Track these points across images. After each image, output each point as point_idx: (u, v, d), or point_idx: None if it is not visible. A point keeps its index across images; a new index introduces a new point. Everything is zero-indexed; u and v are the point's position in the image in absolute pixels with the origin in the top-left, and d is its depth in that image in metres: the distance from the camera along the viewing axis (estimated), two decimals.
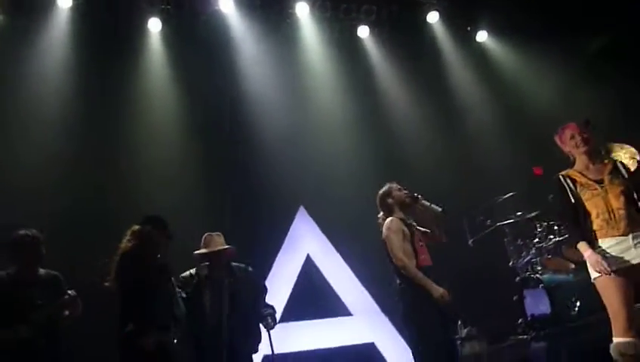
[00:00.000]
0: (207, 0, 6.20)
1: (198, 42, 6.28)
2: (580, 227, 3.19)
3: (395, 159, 6.51)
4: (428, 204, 3.75)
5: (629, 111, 6.36)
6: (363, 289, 6.35)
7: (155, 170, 5.77)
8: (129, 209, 4.79)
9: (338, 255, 6.35)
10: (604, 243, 3.10)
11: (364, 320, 6.19)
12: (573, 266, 4.81)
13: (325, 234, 6.38)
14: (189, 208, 5.49)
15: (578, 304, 4.50)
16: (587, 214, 3.18)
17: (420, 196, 3.78)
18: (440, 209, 3.71)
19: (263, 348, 4.13)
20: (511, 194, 5.50)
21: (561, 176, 3.32)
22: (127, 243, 3.55)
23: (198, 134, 6.12)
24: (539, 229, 5.12)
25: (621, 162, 3.32)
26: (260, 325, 4.08)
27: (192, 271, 4.06)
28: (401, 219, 3.71)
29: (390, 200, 3.85)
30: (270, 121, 6.24)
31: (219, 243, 4.08)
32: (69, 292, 3.69)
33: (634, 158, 3.74)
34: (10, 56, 5.60)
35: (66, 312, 3.68)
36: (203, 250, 4.05)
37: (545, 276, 4.78)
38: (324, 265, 6.31)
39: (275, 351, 4.10)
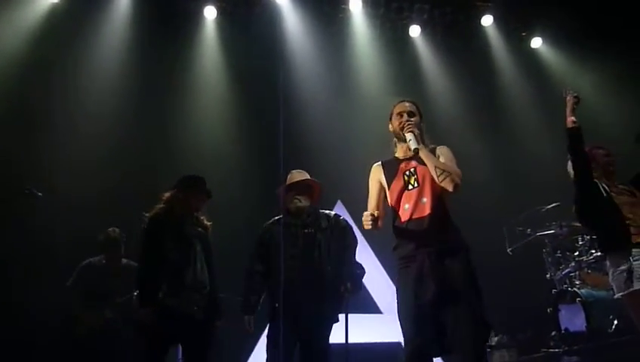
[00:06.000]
0: None
1: (251, 31, 6.41)
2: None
3: None
4: (409, 137, 2.80)
5: None
6: (395, 288, 6.32)
7: (203, 151, 5.96)
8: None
9: (372, 252, 6.35)
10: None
11: (393, 319, 6.15)
12: None
13: (361, 231, 6.37)
14: (230, 191, 5.60)
15: (616, 322, 4.38)
16: (623, 218, 3.11)
17: (407, 124, 2.84)
18: (413, 147, 2.77)
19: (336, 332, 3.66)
20: (555, 204, 5.37)
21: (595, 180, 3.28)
22: (156, 208, 3.68)
23: (246, 120, 6.27)
24: (580, 242, 4.98)
25: None
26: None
27: (278, 217, 3.75)
28: (388, 162, 2.92)
29: (390, 128, 2.99)
30: (316, 114, 6.30)
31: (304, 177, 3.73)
32: None
33: None
34: (72, 35, 5.87)
35: None
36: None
37: (583, 291, 4.65)
38: (358, 260, 6.32)
39: None
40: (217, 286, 3.76)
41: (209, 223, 3.82)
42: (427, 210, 2.72)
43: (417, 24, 6.78)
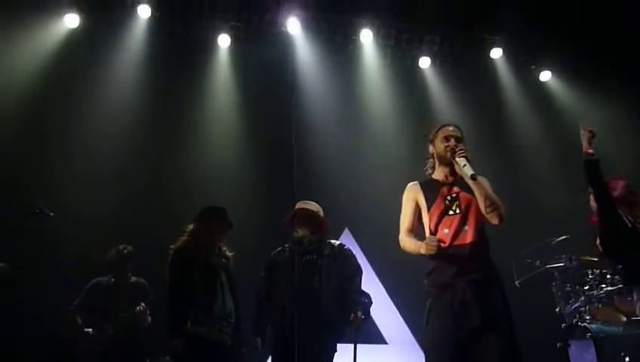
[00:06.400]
0: (275, 21, 6.43)
1: (264, 60, 6.53)
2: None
3: None
4: (463, 163, 2.76)
5: None
6: (401, 318, 6.27)
7: (214, 174, 6.06)
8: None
9: (378, 281, 6.30)
10: None
11: (398, 350, 6.10)
12: (624, 319, 4.59)
13: (368, 259, 6.34)
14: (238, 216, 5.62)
15: (627, 359, 4.28)
16: None
17: (459, 150, 2.81)
18: (470, 173, 2.72)
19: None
20: (565, 237, 5.32)
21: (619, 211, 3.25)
22: (181, 240, 3.77)
23: (257, 147, 6.35)
24: (590, 276, 4.90)
25: None
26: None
27: (287, 245, 3.80)
28: (426, 183, 2.89)
29: (431, 149, 2.97)
30: (325, 142, 6.35)
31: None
32: (141, 304, 4.46)
33: None
34: (88, 59, 6.04)
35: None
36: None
37: (593, 326, 4.57)
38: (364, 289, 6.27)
39: None
40: (241, 314, 3.83)
41: (231, 254, 3.91)
42: (469, 238, 2.68)
43: (427, 55, 6.86)
